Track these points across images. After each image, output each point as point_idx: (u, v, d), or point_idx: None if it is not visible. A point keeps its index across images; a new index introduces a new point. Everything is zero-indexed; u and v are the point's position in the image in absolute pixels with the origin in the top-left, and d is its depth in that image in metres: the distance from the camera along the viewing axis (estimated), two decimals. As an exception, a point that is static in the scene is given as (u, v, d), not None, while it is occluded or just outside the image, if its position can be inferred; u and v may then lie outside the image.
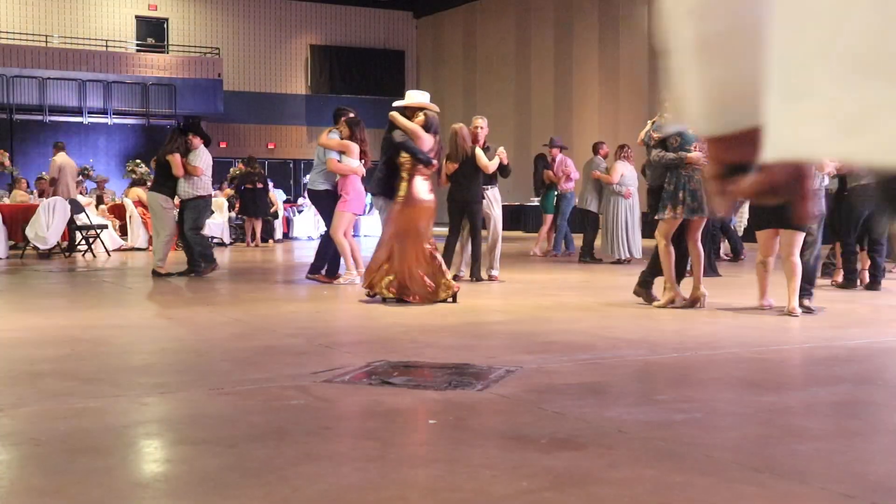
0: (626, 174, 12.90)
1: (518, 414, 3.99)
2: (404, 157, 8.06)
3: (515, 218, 25.24)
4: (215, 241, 16.08)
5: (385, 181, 8.48)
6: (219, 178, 17.95)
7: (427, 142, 8.15)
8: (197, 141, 10.63)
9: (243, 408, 4.06)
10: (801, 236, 7.45)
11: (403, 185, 7.99)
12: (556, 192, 14.62)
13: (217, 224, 17.27)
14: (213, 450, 3.36)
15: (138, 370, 5.01)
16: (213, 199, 13.45)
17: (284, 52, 34.01)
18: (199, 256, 10.64)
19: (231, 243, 18.19)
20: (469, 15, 33.93)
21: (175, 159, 10.51)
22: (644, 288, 8.09)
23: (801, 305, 7.37)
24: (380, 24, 35.63)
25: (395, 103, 8.66)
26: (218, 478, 3.03)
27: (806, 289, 7.50)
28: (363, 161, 9.75)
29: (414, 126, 8.19)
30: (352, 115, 10.03)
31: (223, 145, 29.50)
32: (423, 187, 7.99)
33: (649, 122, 8.23)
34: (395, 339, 5.95)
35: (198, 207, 10.65)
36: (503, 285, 9.84)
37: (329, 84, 34.32)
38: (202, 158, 10.54)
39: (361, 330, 6.40)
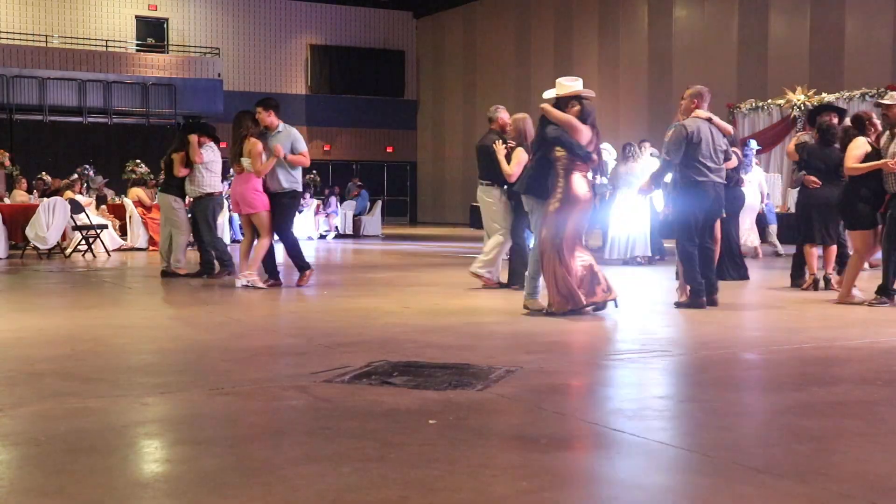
0: (621, 172, 12.88)
1: (518, 414, 3.99)
2: (560, 153, 7.24)
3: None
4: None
5: (537, 179, 7.46)
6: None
7: (585, 134, 7.27)
8: (202, 139, 10.61)
9: (243, 408, 4.06)
10: None
11: (560, 182, 7.24)
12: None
13: (218, 223, 17.24)
14: (213, 450, 3.36)
15: (138, 370, 5.02)
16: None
17: (284, 52, 34.02)
18: (215, 259, 10.55)
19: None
20: (469, 15, 33.92)
21: (178, 158, 10.53)
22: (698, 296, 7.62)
23: None
24: (380, 24, 35.62)
25: (546, 94, 7.61)
26: (218, 478, 3.03)
27: None
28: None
29: (569, 117, 7.26)
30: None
31: (223, 145, 29.50)
32: (581, 184, 7.28)
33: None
34: (395, 339, 5.95)
35: (206, 206, 10.56)
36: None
37: (329, 84, 34.33)
38: (206, 152, 10.53)
39: (361, 330, 6.40)
